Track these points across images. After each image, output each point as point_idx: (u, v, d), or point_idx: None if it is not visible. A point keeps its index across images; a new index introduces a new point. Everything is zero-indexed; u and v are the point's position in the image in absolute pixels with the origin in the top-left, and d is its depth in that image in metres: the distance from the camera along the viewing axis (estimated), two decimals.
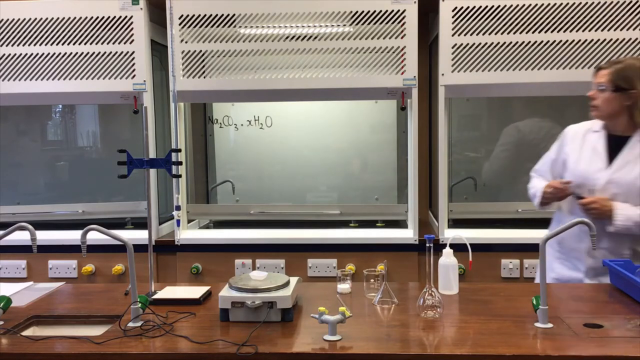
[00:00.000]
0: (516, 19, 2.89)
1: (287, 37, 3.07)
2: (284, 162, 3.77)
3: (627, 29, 2.85)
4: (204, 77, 3.09)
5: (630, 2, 2.83)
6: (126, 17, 3.06)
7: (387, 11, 2.95)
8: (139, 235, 2.78)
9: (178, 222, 3.06)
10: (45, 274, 3.17)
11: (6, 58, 3.14)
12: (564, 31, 2.88)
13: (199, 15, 3.03)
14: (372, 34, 3.00)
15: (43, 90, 3.14)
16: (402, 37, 2.97)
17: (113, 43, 3.09)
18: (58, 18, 3.08)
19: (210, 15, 3.03)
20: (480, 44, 2.93)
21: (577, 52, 2.89)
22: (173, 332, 1.77)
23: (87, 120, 3.88)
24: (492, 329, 1.75)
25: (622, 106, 2.29)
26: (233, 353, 1.60)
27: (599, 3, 2.85)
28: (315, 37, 3.06)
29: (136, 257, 1.84)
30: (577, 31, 2.87)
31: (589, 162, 2.36)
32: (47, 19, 3.09)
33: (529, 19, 2.89)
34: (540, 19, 2.88)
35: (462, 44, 2.93)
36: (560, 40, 2.89)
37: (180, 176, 2.79)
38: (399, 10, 2.95)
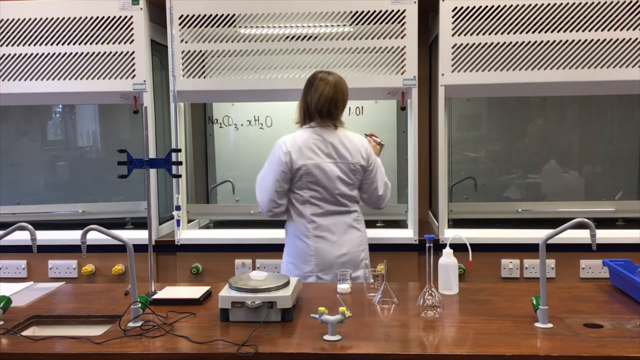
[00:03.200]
0: (516, 19, 2.89)
1: (287, 37, 3.07)
2: None
3: (627, 29, 2.85)
4: (204, 77, 3.09)
5: (630, 2, 2.83)
6: (126, 17, 3.06)
7: (387, 11, 2.95)
8: (139, 235, 2.78)
9: (178, 222, 3.07)
10: (45, 274, 3.17)
11: (6, 58, 3.13)
12: (564, 31, 2.88)
13: (199, 15, 3.03)
14: (372, 34, 3.00)
15: (43, 90, 3.14)
16: (402, 37, 2.97)
17: (113, 43, 3.09)
18: (58, 18, 3.08)
19: (210, 15, 3.02)
20: (480, 44, 2.93)
21: (577, 52, 2.88)
22: (173, 332, 1.77)
23: (87, 120, 3.88)
24: (492, 329, 1.75)
25: None
26: (233, 353, 1.60)
27: (599, 3, 2.85)
28: (315, 37, 3.06)
29: (136, 257, 1.84)
30: (577, 31, 2.87)
31: None
32: (47, 19, 3.09)
33: (529, 19, 2.88)
34: (540, 19, 2.88)
35: (462, 44, 2.93)
36: (560, 40, 2.89)
37: (180, 176, 2.79)
38: (399, 10, 2.95)
